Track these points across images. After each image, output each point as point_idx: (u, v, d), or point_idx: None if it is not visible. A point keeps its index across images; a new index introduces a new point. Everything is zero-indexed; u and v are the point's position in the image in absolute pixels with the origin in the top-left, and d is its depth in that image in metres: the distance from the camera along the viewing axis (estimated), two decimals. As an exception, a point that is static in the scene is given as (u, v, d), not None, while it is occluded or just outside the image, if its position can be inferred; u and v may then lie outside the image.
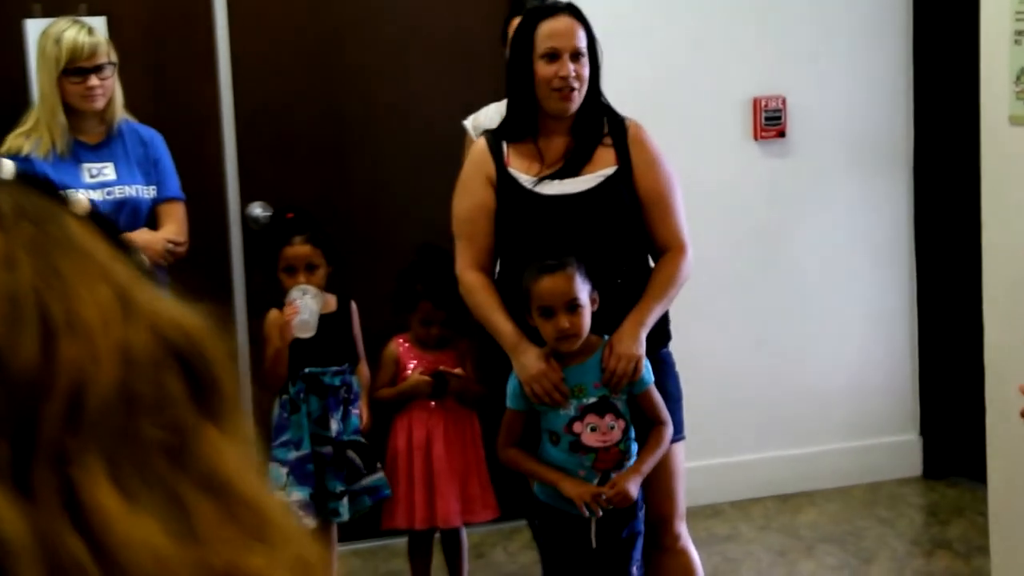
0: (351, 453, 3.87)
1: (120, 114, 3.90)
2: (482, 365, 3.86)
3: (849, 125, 5.11)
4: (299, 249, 3.88)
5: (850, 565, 4.44)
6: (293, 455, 3.84)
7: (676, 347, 3.48)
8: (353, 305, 4.03)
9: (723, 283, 4.99)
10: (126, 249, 0.66)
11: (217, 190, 4.52)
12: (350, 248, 4.39)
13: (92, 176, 3.83)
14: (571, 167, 3.32)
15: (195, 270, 4.29)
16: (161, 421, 0.60)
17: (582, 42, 3.30)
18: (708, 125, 4.95)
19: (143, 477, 0.59)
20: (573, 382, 3.21)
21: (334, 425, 3.85)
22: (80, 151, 3.84)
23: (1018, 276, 3.53)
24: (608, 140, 3.36)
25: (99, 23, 4.09)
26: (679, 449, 3.43)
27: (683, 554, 3.47)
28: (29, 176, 0.68)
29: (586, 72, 3.30)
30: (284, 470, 3.83)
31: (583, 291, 3.16)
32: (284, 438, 3.86)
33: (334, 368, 3.88)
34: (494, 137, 3.41)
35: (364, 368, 4.02)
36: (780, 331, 5.11)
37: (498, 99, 3.89)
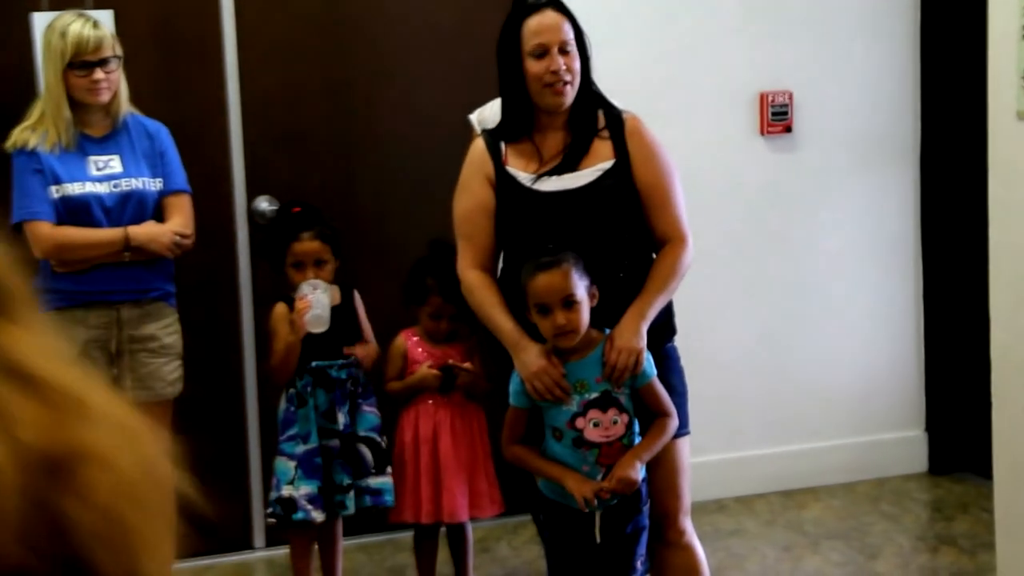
0: (363, 447, 3.87)
1: (125, 107, 3.90)
2: (488, 361, 3.86)
3: (856, 120, 5.10)
4: (308, 245, 3.88)
5: (855, 561, 4.44)
6: (301, 449, 3.84)
7: (681, 342, 3.48)
8: (356, 294, 4.03)
9: (729, 278, 4.98)
10: None
11: (224, 183, 4.53)
12: (356, 241, 4.40)
13: (99, 169, 3.83)
14: (569, 162, 3.31)
15: (201, 263, 4.31)
16: None
17: (569, 35, 3.27)
18: (715, 120, 4.94)
19: None
20: (575, 378, 3.20)
21: (341, 418, 3.85)
22: (86, 144, 3.84)
23: (1025, 272, 3.53)
24: (605, 133, 3.34)
25: (106, 16, 4.09)
26: (684, 444, 3.42)
27: (688, 549, 3.46)
28: None
29: (576, 65, 3.28)
30: (292, 464, 3.84)
31: (580, 287, 3.14)
32: (292, 432, 3.86)
33: (340, 361, 3.89)
34: (492, 137, 3.40)
35: (374, 344, 4.02)
36: (785, 326, 5.10)
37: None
